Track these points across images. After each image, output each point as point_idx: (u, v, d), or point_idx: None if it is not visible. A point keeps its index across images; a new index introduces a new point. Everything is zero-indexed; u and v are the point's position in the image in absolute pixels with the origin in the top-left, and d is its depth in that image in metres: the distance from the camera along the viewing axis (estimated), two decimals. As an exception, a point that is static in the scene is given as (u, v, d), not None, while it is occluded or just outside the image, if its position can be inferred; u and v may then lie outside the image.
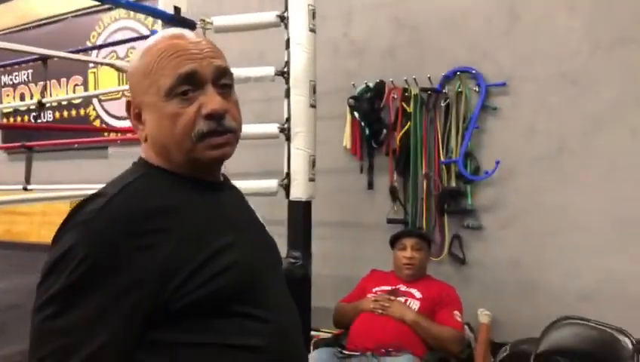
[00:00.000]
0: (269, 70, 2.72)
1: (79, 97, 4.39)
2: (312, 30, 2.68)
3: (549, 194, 2.85)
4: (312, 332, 2.89)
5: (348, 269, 3.26)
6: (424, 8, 3.16)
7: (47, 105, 3.94)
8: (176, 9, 2.64)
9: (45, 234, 4.71)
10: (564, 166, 2.81)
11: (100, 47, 4.26)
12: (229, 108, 0.93)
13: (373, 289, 2.61)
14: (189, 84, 0.89)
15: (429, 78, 3.07)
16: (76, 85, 4.67)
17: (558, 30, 2.81)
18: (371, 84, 3.24)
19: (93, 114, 4.59)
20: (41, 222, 4.80)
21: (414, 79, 3.10)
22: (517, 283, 2.94)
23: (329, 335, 2.85)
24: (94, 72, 4.55)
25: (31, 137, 3.76)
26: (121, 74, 4.33)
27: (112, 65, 2.21)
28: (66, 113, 4.76)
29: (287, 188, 2.67)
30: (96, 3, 3.41)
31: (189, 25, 2.69)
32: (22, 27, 4.93)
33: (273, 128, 2.72)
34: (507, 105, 2.94)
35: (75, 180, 4.02)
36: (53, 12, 4.73)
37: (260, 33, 3.23)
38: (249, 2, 3.67)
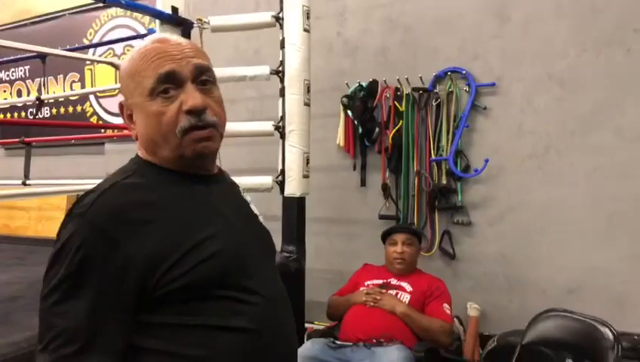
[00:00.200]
0: (265, 69, 2.79)
1: (78, 94, 4.43)
2: (307, 30, 2.75)
3: (536, 191, 2.93)
4: (306, 325, 2.96)
5: (341, 264, 3.33)
6: (416, 10, 3.23)
7: (46, 101, 3.98)
8: (174, 9, 2.70)
9: (43, 229, 4.76)
10: (551, 164, 2.89)
11: (99, 45, 4.31)
12: (208, 103, 0.98)
13: (366, 283, 2.69)
14: (169, 83, 0.95)
15: (421, 77, 3.14)
16: (73, 82, 4.71)
17: (545, 33, 2.89)
18: (364, 84, 3.31)
19: (90, 110, 4.64)
20: (38, 217, 4.84)
21: (406, 79, 3.17)
22: (505, 278, 3.02)
23: (322, 327, 2.92)
24: (91, 69, 4.59)
25: (28, 133, 3.80)
26: (118, 71, 4.39)
27: (111, 64, 2.26)
28: (62, 109, 4.80)
29: (281, 184, 2.74)
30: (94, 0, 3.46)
31: (187, 24, 2.76)
32: (19, 23, 4.95)
33: (268, 126, 2.78)
34: (496, 104, 3.02)
35: (72, 176, 4.08)
36: (50, 9, 4.77)
37: (254, 32, 3.30)
38: (244, 2, 3.74)
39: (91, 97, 4.57)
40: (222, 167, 1.14)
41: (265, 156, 3.02)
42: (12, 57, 4.02)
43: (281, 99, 2.76)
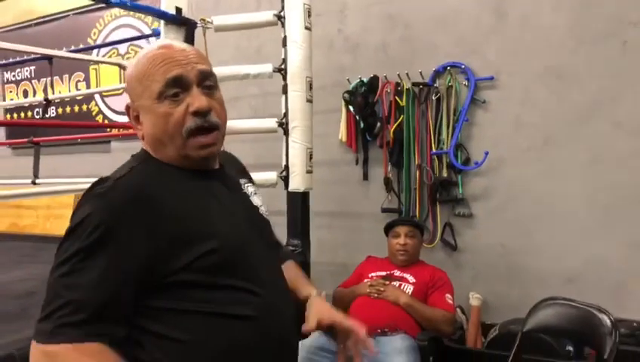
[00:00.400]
0: (267, 67, 2.84)
1: (84, 94, 4.49)
2: (308, 28, 2.80)
3: (535, 183, 2.98)
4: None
5: (345, 256, 3.40)
6: (416, 6, 3.28)
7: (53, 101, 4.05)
8: (178, 9, 2.75)
9: (51, 227, 4.84)
10: (550, 156, 2.94)
11: (105, 45, 4.36)
12: (213, 105, 1.05)
13: (369, 275, 2.75)
14: (177, 87, 1.02)
15: (421, 72, 3.19)
16: (78, 81, 4.77)
17: (542, 26, 2.94)
18: (365, 79, 3.36)
19: (95, 109, 4.70)
20: (46, 216, 4.92)
21: (407, 74, 3.22)
22: (506, 268, 3.08)
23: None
24: (96, 69, 4.66)
25: (35, 133, 3.87)
26: (122, 71, 4.45)
27: (118, 65, 2.32)
28: (68, 109, 4.86)
29: (285, 179, 2.79)
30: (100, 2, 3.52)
31: (190, 24, 2.81)
32: (23, 24, 5.01)
33: (272, 123, 2.84)
34: (495, 98, 3.07)
35: (79, 174, 4.14)
36: (53, 9, 4.82)
37: (255, 30, 3.35)
38: (246, 1, 3.79)
39: (96, 96, 4.63)
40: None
41: (269, 152, 3.07)
42: (19, 59, 4.08)
43: (283, 96, 2.81)
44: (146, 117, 1.05)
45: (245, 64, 2.89)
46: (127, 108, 1.11)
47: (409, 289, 2.64)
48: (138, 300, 0.96)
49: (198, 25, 2.81)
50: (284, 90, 2.80)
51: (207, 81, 1.06)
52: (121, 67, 2.26)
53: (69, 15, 4.71)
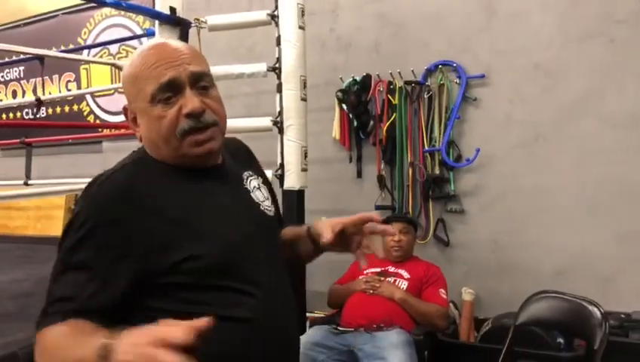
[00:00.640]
0: (262, 66, 2.87)
1: (77, 94, 4.48)
2: (302, 27, 2.83)
3: (525, 178, 3.04)
4: (307, 314, 3.06)
5: (339, 254, 3.42)
6: (407, 5, 3.32)
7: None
8: (172, 9, 2.77)
9: (42, 228, 4.82)
10: (540, 152, 3.00)
11: (98, 45, 4.35)
12: (207, 105, 1.03)
13: (364, 271, 2.79)
14: (169, 90, 1.00)
15: (413, 71, 3.24)
16: (69, 81, 4.75)
17: (531, 25, 2.99)
18: (358, 78, 3.39)
19: (86, 109, 4.69)
20: (37, 217, 4.89)
21: (399, 73, 3.26)
22: (497, 263, 3.14)
23: (322, 315, 3.02)
24: (87, 69, 4.64)
25: (26, 133, 3.86)
26: (113, 70, 4.44)
27: (114, 65, 2.33)
28: (59, 109, 4.84)
29: (281, 178, 2.82)
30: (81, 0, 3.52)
31: (184, 24, 2.83)
32: (13, 24, 4.98)
33: (266, 122, 2.87)
34: (486, 96, 3.12)
35: (71, 175, 4.14)
36: (43, 9, 4.80)
37: (247, 29, 3.37)
38: (237, 2, 3.81)
39: (88, 96, 4.62)
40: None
41: (263, 151, 3.04)
42: (8, 60, 4.06)
43: (278, 95, 2.84)
44: (142, 119, 1.05)
45: (237, 63, 2.91)
46: (125, 109, 1.11)
47: (404, 284, 2.68)
48: (134, 299, 0.97)
49: (193, 25, 2.82)
50: (279, 89, 2.83)
51: (201, 82, 1.04)
52: (117, 67, 2.26)
53: (58, 15, 4.68)
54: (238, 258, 1.03)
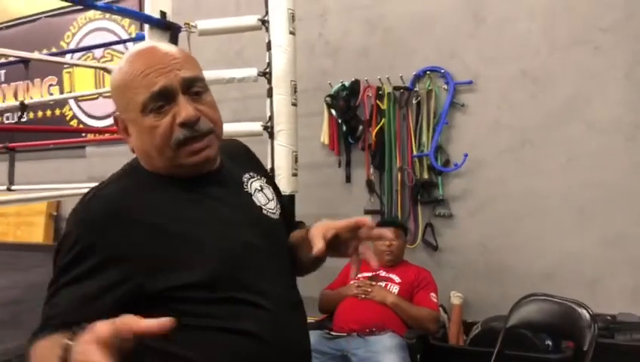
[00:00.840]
0: (252, 71, 2.86)
1: (62, 98, 4.41)
2: (292, 33, 2.83)
3: (513, 183, 3.08)
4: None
5: (330, 259, 3.42)
6: (395, 11, 3.35)
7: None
8: (162, 14, 2.75)
9: (22, 234, 4.72)
10: (527, 157, 3.05)
11: (85, 49, 4.28)
12: (201, 112, 0.98)
13: (356, 276, 2.79)
14: (161, 99, 0.95)
15: (401, 77, 3.26)
16: (51, 85, 4.68)
17: (518, 32, 3.04)
18: (347, 83, 3.41)
19: (69, 114, 4.62)
20: (17, 223, 4.79)
21: (387, 78, 3.29)
22: (485, 266, 3.17)
23: (313, 321, 3.01)
24: (70, 72, 4.57)
25: (9, 138, 3.79)
26: (98, 74, 4.39)
27: (104, 69, 2.30)
28: (40, 113, 4.76)
29: (271, 183, 2.81)
30: (66, 4, 3.47)
31: (174, 29, 2.81)
32: (-5, 27, 4.90)
33: (257, 126, 2.86)
34: (474, 101, 3.16)
35: (54, 180, 4.07)
36: (26, 12, 4.72)
37: (236, 34, 3.36)
38: (225, 5, 3.80)
39: (71, 101, 4.55)
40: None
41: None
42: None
43: (268, 100, 2.84)
44: (133, 129, 1.01)
45: (226, 67, 2.90)
46: (116, 120, 1.05)
47: (395, 289, 2.69)
48: (136, 314, 0.92)
49: (183, 29, 2.81)
50: (269, 94, 2.83)
51: (194, 88, 0.99)
52: (106, 71, 2.24)
53: (40, 18, 4.61)
54: (239, 269, 0.99)
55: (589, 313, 2.24)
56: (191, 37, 2.82)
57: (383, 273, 2.78)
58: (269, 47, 2.83)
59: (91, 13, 4.40)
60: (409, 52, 3.30)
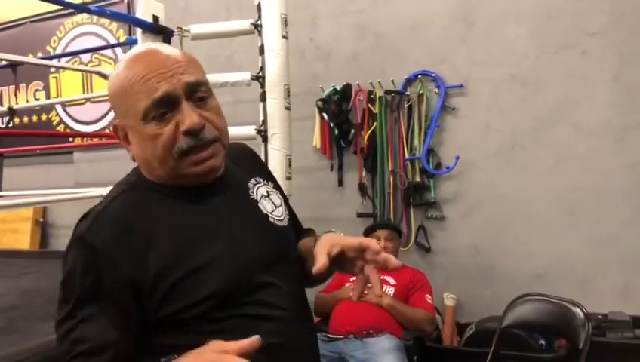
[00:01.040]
0: (245, 75, 2.87)
1: (52, 103, 4.36)
2: (285, 37, 2.85)
3: (504, 185, 3.12)
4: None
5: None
6: (385, 16, 3.37)
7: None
8: (155, 18, 2.74)
9: (8, 241, 4.64)
10: (517, 160, 3.09)
11: (84, 52, 4.22)
12: (206, 119, 0.93)
13: (351, 279, 2.80)
14: (163, 106, 0.90)
15: (393, 81, 3.29)
16: (37, 90, 4.61)
17: (507, 37, 3.09)
18: (338, 87, 3.43)
19: (56, 119, 4.55)
20: (3, 230, 4.70)
21: (379, 82, 3.31)
22: (478, 268, 3.20)
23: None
24: (56, 77, 4.52)
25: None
26: (85, 79, 4.35)
27: (98, 73, 2.28)
28: (26, 119, 4.69)
29: (266, 186, 2.81)
30: (59, 7, 3.45)
31: (167, 33, 2.81)
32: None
33: (250, 130, 2.86)
34: (464, 105, 3.20)
35: (40, 186, 4.02)
36: (11, 16, 4.65)
37: (227, 38, 3.36)
38: (215, 10, 3.80)
39: (57, 105, 4.50)
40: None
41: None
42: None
43: (261, 104, 2.84)
44: (134, 137, 0.96)
45: (216, 72, 2.90)
46: (115, 127, 1.00)
47: (390, 291, 2.71)
48: (147, 338, 0.92)
49: (175, 33, 2.80)
50: (263, 98, 2.83)
51: (198, 93, 0.93)
52: (104, 76, 2.22)
53: (26, 22, 4.56)
54: (246, 282, 0.96)
55: (583, 312, 2.28)
56: (183, 41, 2.81)
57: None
58: (261, 51, 2.84)
59: (79, 17, 4.36)
60: (400, 56, 3.33)
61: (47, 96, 4.53)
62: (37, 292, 2.29)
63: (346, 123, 3.40)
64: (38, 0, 2.13)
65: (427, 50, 3.27)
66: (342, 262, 1.00)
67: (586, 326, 2.24)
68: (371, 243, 0.97)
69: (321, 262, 0.94)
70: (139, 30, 2.69)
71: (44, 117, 4.60)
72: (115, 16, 2.52)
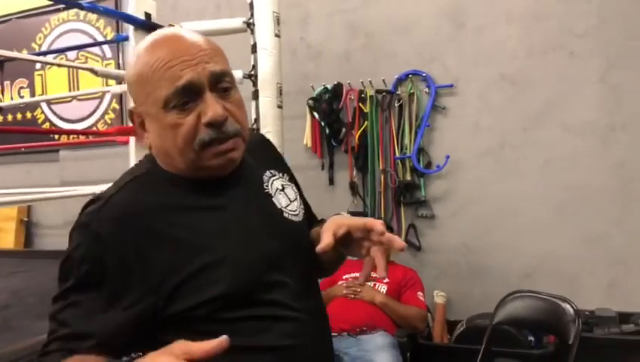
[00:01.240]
0: (237, 73, 2.85)
1: (38, 101, 4.29)
2: (277, 35, 2.85)
3: (493, 184, 3.16)
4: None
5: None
6: (377, 16, 3.39)
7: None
8: (147, 15, 2.73)
9: (-9, 241, 4.56)
10: (507, 159, 3.13)
11: (59, 50, 4.17)
12: (229, 111, 0.91)
13: (344, 277, 2.81)
14: (186, 96, 0.87)
15: (384, 80, 3.31)
16: (21, 88, 4.53)
17: (497, 37, 3.13)
18: (329, 86, 3.43)
19: (41, 117, 4.48)
20: (-15, 229, 4.63)
21: (370, 81, 3.33)
22: (467, 266, 3.23)
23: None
24: (41, 75, 4.45)
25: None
26: (71, 76, 4.30)
27: (91, 70, 2.25)
28: (10, 117, 4.61)
29: (258, 185, 2.81)
30: (48, 3, 3.40)
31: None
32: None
33: (243, 129, 2.85)
34: (455, 104, 3.23)
35: (25, 185, 3.97)
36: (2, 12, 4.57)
37: (216, 36, 3.34)
38: (204, 8, 3.78)
39: (43, 103, 4.43)
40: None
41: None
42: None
43: (254, 102, 2.84)
44: (152, 125, 0.93)
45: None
46: (131, 113, 0.97)
47: (383, 288, 2.73)
48: (150, 334, 0.88)
49: (167, 31, 2.78)
50: (255, 96, 2.83)
51: (222, 83, 0.91)
52: (95, 73, 2.20)
53: (11, 19, 4.48)
54: (257, 282, 0.93)
55: (572, 308, 2.32)
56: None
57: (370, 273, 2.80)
58: (254, 49, 2.84)
59: (64, 14, 4.30)
60: (391, 56, 3.35)
61: (32, 94, 4.46)
62: (29, 291, 2.27)
63: (337, 122, 3.41)
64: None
65: (418, 50, 3.29)
66: (349, 243, 0.98)
67: (576, 321, 2.28)
68: (376, 223, 0.95)
69: (326, 240, 0.92)
70: (131, 27, 2.67)
71: (28, 115, 4.52)
72: (107, 13, 2.49)
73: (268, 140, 1.20)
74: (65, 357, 0.83)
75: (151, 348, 0.85)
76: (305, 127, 3.51)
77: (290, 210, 1.06)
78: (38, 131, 4.16)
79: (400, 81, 3.31)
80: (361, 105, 3.36)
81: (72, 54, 4.28)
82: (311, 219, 1.20)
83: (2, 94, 3.82)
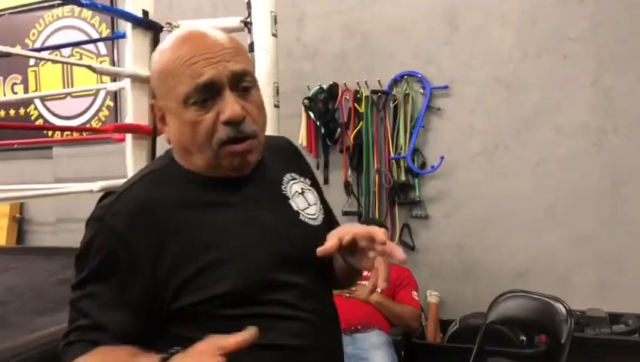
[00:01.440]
0: (235, 72, 2.86)
1: (32, 97, 4.27)
2: (274, 35, 2.86)
3: (487, 185, 3.19)
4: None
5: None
6: (373, 17, 3.41)
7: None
8: (145, 13, 2.72)
9: (-17, 238, 4.53)
10: (500, 160, 3.16)
11: (55, 47, 4.15)
12: (247, 111, 0.92)
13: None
14: (206, 93, 0.89)
15: (379, 81, 3.33)
16: (15, 83, 4.50)
17: (492, 39, 3.16)
18: (325, 86, 3.45)
19: (35, 113, 4.45)
20: (-23, 226, 4.59)
21: (365, 82, 3.35)
22: (461, 266, 3.27)
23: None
24: (35, 71, 4.42)
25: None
26: (66, 72, 4.28)
27: (89, 67, 2.25)
28: (3, 113, 4.58)
29: (255, 184, 2.82)
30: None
31: (157, 28, 2.78)
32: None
33: (240, 128, 2.86)
34: (449, 106, 3.26)
35: (18, 181, 3.94)
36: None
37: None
38: (200, 6, 3.79)
39: (36, 100, 4.41)
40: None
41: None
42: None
43: (251, 102, 2.84)
44: (172, 120, 0.95)
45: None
46: (152, 106, 1.00)
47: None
48: (161, 326, 0.91)
49: (165, 29, 2.78)
50: (252, 96, 2.83)
51: (243, 83, 0.92)
52: (93, 69, 2.19)
53: (4, 14, 4.45)
54: (265, 281, 0.94)
55: (565, 307, 2.35)
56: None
57: (365, 272, 2.81)
58: (251, 48, 2.84)
59: (59, 10, 4.28)
60: (386, 57, 3.37)
61: (26, 90, 4.43)
62: (24, 288, 2.26)
63: (332, 122, 3.43)
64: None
65: (413, 51, 3.32)
66: (355, 251, 0.98)
67: (569, 321, 2.32)
68: (378, 233, 0.94)
69: (329, 243, 0.92)
70: (128, 25, 2.66)
71: (22, 111, 4.49)
72: (105, 10, 2.49)
73: (294, 146, 1.19)
74: (86, 348, 0.88)
75: (162, 340, 0.89)
76: (300, 127, 3.52)
77: (308, 213, 1.05)
78: (32, 127, 4.14)
79: (395, 81, 3.33)
80: (356, 105, 3.38)
81: (65, 51, 4.25)
82: (332, 225, 1.16)
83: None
